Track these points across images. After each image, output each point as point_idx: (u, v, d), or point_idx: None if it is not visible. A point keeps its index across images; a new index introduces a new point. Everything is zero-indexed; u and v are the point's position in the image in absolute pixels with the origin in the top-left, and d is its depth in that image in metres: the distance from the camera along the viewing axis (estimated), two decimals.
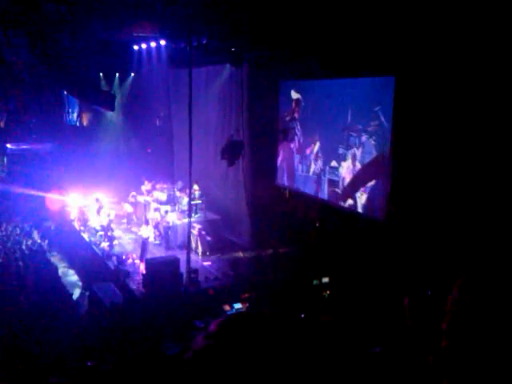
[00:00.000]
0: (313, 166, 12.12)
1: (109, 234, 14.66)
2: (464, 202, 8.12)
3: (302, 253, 12.20)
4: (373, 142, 10.07)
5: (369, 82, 10.33)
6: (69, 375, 5.51)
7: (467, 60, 7.78)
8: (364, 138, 10.33)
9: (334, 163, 11.28)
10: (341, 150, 10.98)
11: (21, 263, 13.29)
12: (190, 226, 12.53)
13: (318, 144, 11.98)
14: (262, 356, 1.08)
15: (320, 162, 11.80)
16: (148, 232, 14.03)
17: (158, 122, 19.76)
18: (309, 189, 12.32)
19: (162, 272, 11.31)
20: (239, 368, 1.06)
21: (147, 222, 15.13)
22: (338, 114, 11.04)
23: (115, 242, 14.52)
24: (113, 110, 18.70)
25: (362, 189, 10.40)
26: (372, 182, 10.21)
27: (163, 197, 15.74)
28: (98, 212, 15.79)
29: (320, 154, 11.83)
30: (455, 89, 8.13)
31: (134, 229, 15.81)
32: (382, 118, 9.91)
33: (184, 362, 1.12)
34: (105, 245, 14.29)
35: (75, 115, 23.58)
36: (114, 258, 13.42)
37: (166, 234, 14.60)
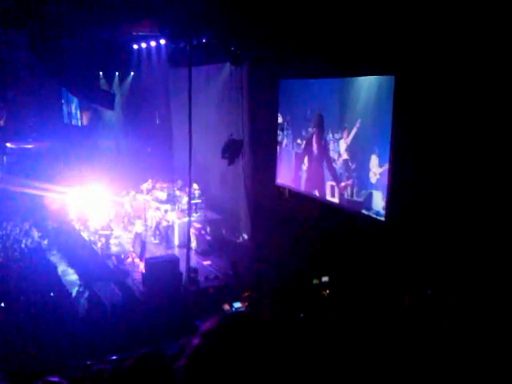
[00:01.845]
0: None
1: (107, 232, 14.67)
2: (464, 201, 8.12)
3: (301, 251, 12.20)
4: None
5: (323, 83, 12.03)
6: (69, 375, 5.51)
7: (467, 60, 7.78)
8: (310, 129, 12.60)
9: (299, 141, 13.13)
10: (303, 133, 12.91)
11: (20, 263, 13.29)
12: (189, 225, 12.53)
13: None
14: (258, 355, 1.07)
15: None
16: (141, 226, 14.17)
17: (157, 121, 19.76)
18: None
19: (161, 271, 11.32)
20: (235, 367, 1.05)
21: (140, 217, 15.24)
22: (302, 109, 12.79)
23: (115, 242, 14.52)
24: (112, 108, 18.70)
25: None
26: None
27: (163, 196, 15.75)
28: (100, 211, 15.85)
29: (290, 132, 13.33)
30: (455, 89, 8.13)
31: (130, 227, 15.85)
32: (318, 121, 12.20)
33: (180, 363, 1.11)
34: (101, 244, 14.31)
35: (75, 114, 23.58)
36: (114, 258, 13.43)
37: (165, 233, 14.61)
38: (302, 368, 1.12)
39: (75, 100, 22.57)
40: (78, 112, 23.34)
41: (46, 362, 7.72)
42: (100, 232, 14.83)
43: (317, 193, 12.36)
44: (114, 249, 14.02)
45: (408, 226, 9.27)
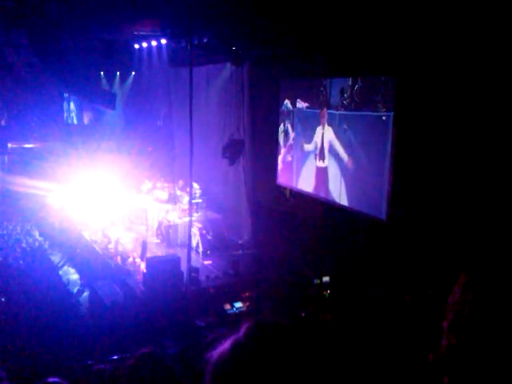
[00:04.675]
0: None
1: (108, 233, 14.69)
2: (465, 201, 8.11)
3: (302, 251, 12.20)
4: None
5: None
6: (69, 375, 5.51)
7: (468, 62, 7.77)
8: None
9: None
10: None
11: (21, 262, 13.30)
12: (190, 224, 12.53)
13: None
14: (287, 366, 1.07)
15: None
16: (117, 232, 14.25)
17: (159, 122, 19.77)
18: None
19: (162, 271, 11.32)
20: (263, 378, 1.05)
21: (114, 223, 15.35)
22: None
23: (112, 246, 14.48)
24: (114, 108, 18.70)
25: None
26: None
27: (164, 196, 15.76)
28: (102, 210, 15.88)
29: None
30: (455, 90, 8.12)
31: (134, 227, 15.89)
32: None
33: (209, 363, 1.11)
34: (102, 243, 14.34)
35: (75, 114, 23.59)
36: (119, 258, 13.44)
37: (166, 232, 14.62)
38: (308, 369, 1.12)
39: (77, 100, 22.58)
40: (80, 112, 23.36)
41: (47, 362, 7.72)
42: (100, 232, 14.87)
43: (321, 193, 12.19)
44: (112, 251, 14.00)
45: (409, 226, 9.27)
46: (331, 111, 11.34)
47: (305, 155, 12.64)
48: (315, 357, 1.13)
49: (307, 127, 12.45)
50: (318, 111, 11.89)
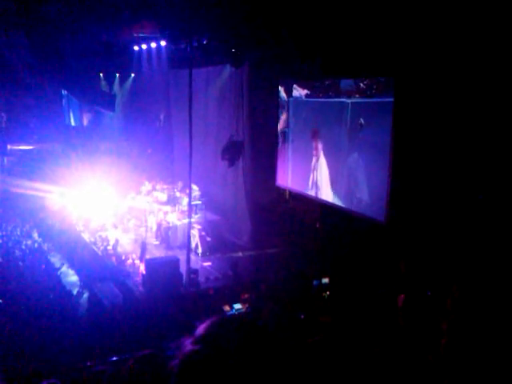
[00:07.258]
0: None
1: (107, 234, 14.68)
2: (464, 203, 8.12)
3: (302, 253, 12.20)
4: None
5: None
6: (68, 376, 5.51)
7: (468, 61, 7.78)
8: None
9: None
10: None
11: (21, 263, 13.29)
12: (189, 226, 12.53)
13: None
14: (248, 360, 1.07)
15: None
16: (116, 234, 14.30)
17: (159, 123, 19.78)
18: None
19: (161, 272, 11.32)
20: (226, 373, 1.06)
21: (115, 226, 15.30)
22: None
23: (111, 246, 14.48)
24: (113, 110, 18.72)
25: None
26: None
27: (163, 197, 15.76)
28: (101, 212, 15.88)
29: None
30: (455, 90, 8.13)
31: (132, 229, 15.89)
32: None
33: (172, 367, 1.12)
34: (101, 244, 14.34)
35: (75, 116, 23.58)
36: (114, 259, 13.44)
37: (166, 234, 14.61)
38: (302, 371, 1.12)
39: (76, 102, 22.58)
40: (79, 113, 23.36)
41: (46, 363, 7.71)
42: (99, 233, 14.87)
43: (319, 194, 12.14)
44: (111, 253, 14.00)
45: (408, 228, 9.27)
46: (342, 99, 8.73)
47: (301, 163, 12.29)
48: (281, 354, 1.13)
49: (306, 122, 11.32)
50: (321, 100, 9.67)
